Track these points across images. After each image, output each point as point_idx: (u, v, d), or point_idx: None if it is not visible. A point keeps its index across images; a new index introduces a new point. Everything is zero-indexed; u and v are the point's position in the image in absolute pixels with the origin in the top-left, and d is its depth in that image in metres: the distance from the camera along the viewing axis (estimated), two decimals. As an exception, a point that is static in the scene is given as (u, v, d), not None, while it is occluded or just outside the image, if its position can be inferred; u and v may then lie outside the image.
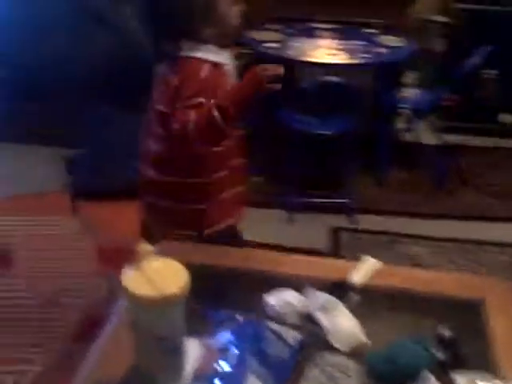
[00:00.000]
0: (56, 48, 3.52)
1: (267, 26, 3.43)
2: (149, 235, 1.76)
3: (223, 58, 1.67)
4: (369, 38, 3.31)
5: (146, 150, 1.72)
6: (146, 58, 3.17)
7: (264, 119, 3.35)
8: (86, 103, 3.32)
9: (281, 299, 1.28)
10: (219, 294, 1.38)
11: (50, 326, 2.32)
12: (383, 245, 2.92)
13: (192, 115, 1.55)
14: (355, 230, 3.01)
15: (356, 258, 1.45)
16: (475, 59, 3.22)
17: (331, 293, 1.31)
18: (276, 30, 3.38)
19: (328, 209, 3.10)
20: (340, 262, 1.51)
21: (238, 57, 3.78)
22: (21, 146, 3.54)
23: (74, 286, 2.54)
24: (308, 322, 1.24)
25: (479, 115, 3.89)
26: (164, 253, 1.47)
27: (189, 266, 1.41)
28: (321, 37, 3.32)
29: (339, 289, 1.34)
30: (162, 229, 1.72)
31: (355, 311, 1.26)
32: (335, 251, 2.84)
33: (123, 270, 1.20)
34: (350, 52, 3.10)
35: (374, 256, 2.75)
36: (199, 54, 1.62)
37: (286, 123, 2.95)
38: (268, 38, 3.25)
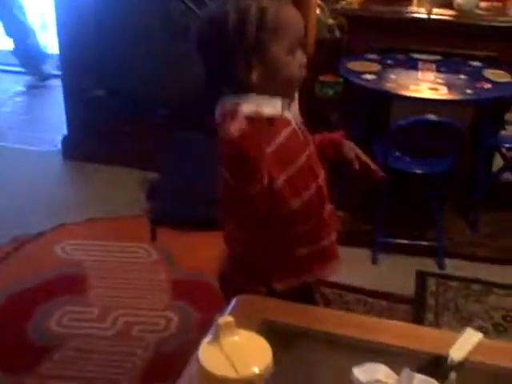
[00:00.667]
0: (152, 71, 3.55)
1: (367, 56, 3.31)
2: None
3: (275, 108, 1.41)
4: (472, 72, 3.14)
5: None
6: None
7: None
8: (176, 128, 3.33)
9: (372, 376, 1.16)
10: (299, 362, 1.28)
11: (118, 361, 2.26)
12: (474, 294, 2.73)
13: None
14: (444, 276, 2.84)
15: (452, 329, 1.32)
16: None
17: (429, 369, 1.19)
18: (375, 61, 3.25)
19: (416, 251, 2.94)
20: (439, 333, 1.38)
21: (332, 86, 3.72)
22: (99, 167, 3.57)
23: (146, 319, 2.49)
24: (401, 404, 1.12)
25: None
26: (243, 309, 1.39)
27: (268, 324, 1.32)
28: (421, 69, 3.16)
29: (437, 365, 1.22)
30: (240, 280, 1.61)
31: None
32: (421, 298, 2.68)
33: (201, 343, 1.10)
34: (452, 87, 2.94)
35: (463, 305, 2.61)
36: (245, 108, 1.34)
37: (379, 160, 2.81)
38: (366, 69, 3.13)
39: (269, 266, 1.58)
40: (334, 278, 2.72)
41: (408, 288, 2.73)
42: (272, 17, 1.40)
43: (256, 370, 1.01)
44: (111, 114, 3.55)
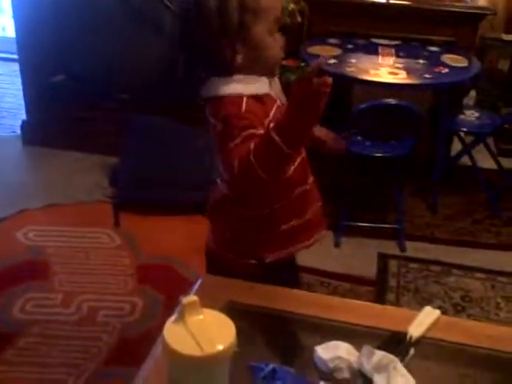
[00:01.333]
0: (113, 53, 3.51)
1: (327, 40, 3.33)
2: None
3: (263, 87, 1.47)
4: (430, 57, 3.18)
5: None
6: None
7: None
8: (137, 111, 3.30)
9: (334, 353, 1.19)
10: (266, 342, 1.30)
11: (84, 346, 2.26)
12: (434, 275, 2.79)
13: (249, 146, 1.35)
14: (404, 258, 2.89)
15: (413, 309, 1.36)
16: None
17: (389, 346, 1.23)
18: (335, 45, 3.28)
19: (378, 234, 2.99)
20: (399, 312, 1.41)
21: (294, 71, 3.73)
22: (60, 152, 3.53)
23: (111, 304, 2.48)
24: (361, 380, 1.16)
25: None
26: (208, 290, 1.41)
27: (232, 305, 1.35)
28: (381, 54, 3.20)
29: (397, 342, 1.26)
30: (230, 256, 1.62)
31: (412, 367, 1.17)
32: (383, 279, 2.73)
33: (166, 323, 1.11)
34: (411, 71, 2.98)
35: (423, 286, 2.67)
36: (232, 90, 1.44)
37: (340, 143, 2.85)
38: (326, 53, 3.15)
39: (259, 240, 1.60)
40: (298, 262, 2.78)
41: (370, 270, 2.78)
42: None
43: (220, 347, 1.03)
44: (70, 99, 3.51)
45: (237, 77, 1.45)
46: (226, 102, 1.43)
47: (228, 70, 1.45)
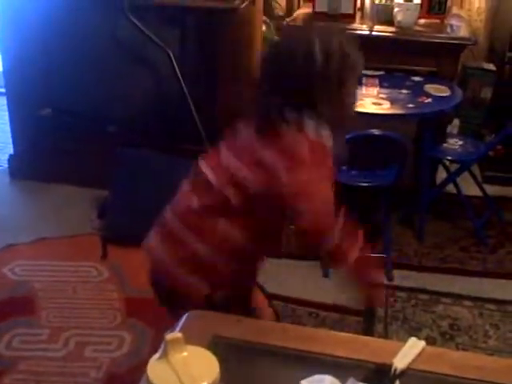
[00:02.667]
0: (100, 87, 3.54)
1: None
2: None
3: (326, 138, 1.56)
4: (414, 87, 3.23)
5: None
6: (183, 103, 3.13)
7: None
8: (124, 145, 3.31)
9: (319, 387, 1.19)
10: (252, 377, 1.30)
11: (72, 382, 2.24)
12: (422, 304, 2.79)
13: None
14: (392, 287, 2.89)
15: (401, 339, 1.37)
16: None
17: (374, 378, 1.23)
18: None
19: (365, 263, 3.00)
20: (384, 343, 1.42)
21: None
22: (48, 186, 3.53)
23: (99, 338, 2.47)
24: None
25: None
26: (194, 325, 1.41)
27: (218, 340, 1.35)
28: (365, 84, 3.24)
29: (382, 374, 1.26)
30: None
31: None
32: (371, 309, 2.72)
33: (150, 360, 1.11)
34: (395, 101, 3.03)
35: (411, 315, 2.66)
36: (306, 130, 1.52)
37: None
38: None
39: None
40: (286, 292, 2.78)
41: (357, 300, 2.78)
42: (352, 54, 1.55)
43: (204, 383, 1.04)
44: (58, 132, 3.52)
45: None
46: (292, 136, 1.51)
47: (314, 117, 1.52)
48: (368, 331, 2.39)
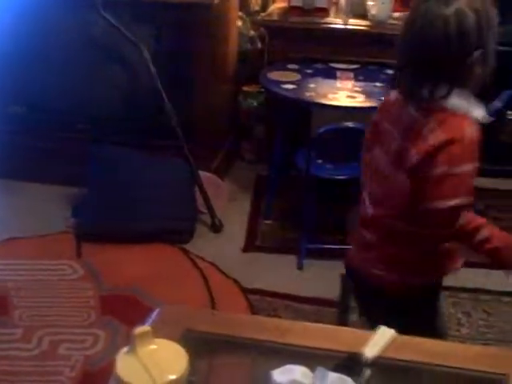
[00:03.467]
0: (74, 83, 3.49)
1: (287, 65, 3.37)
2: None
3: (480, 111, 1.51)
4: (388, 80, 3.23)
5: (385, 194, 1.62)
6: (157, 99, 3.13)
7: (281, 163, 3.29)
8: (98, 142, 3.29)
9: (289, 377, 1.18)
10: (224, 369, 1.30)
11: (45, 381, 2.22)
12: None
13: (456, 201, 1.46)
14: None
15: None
16: (497, 103, 3.13)
17: (344, 367, 1.23)
18: (295, 70, 3.32)
19: (340, 255, 2.99)
20: (355, 333, 1.41)
21: (256, 96, 3.77)
22: (21, 184, 3.48)
23: (73, 337, 2.44)
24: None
25: (502, 156, 3.80)
26: (166, 320, 1.40)
27: (190, 334, 1.34)
28: (340, 78, 3.25)
29: (352, 363, 1.26)
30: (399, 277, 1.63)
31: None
32: (345, 300, 2.73)
33: (117, 355, 1.10)
34: (369, 95, 3.03)
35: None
36: (463, 108, 1.48)
37: (301, 167, 2.88)
38: (286, 79, 3.18)
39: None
40: (261, 286, 2.77)
41: (332, 291, 2.77)
42: (492, 13, 1.49)
43: (172, 376, 1.03)
44: (31, 130, 3.48)
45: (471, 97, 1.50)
46: (457, 119, 1.48)
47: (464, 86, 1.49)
48: (342, 322, 2.40)
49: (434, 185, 1.48)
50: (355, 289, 1.82)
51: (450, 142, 1.45)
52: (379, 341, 1.31)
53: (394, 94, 1.66)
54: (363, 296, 1.82)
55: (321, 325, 1.52)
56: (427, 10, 1.47)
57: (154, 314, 1.42)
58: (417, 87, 1.49)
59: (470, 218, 1.57)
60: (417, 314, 1.66)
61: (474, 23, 1.43)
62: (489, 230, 1.60)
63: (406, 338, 1.33)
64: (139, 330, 1.14)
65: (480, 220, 1.61)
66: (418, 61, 1.50)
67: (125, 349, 1.15)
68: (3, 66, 3.39)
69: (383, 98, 1.76)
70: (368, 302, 1.80)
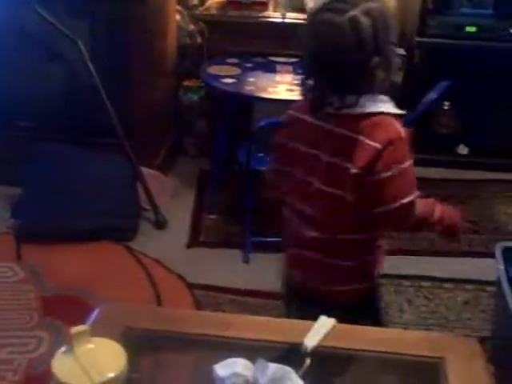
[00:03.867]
0: (11, 81, 3.39)
1: (226, 60, 3.37)
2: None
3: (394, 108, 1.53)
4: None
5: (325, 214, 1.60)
6: (96, 96, 3.09)
7: (224, 157, 3.30)
8: (39, 140, 3.22)
9: (231, 370, 1.19)
10: (166, 365, 1.30)
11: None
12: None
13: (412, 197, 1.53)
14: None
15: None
16: (433, 94, 3.20)
17: (285, 358, 1.25)
18: (234, 64, 3.32)
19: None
20: (296, 324, 1.43)
21: (196, 91, 3.76)
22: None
23: (15, 340, 2.40)
24: (259, 395, 1.17)
25: (436, 147, 3.90)
26: (107, 316, 1.39)
27: (131, 331, 1.33)
28: (279, 71, 3.26)
29: (293, 353, 1.28)
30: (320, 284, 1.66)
31: (309, 377, 1.20)
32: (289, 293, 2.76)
33: (55, 355, 1.09)
34: (308, 87, 3.06)
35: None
36: (382, 108, 1.49)
37: (242, 161, 2.89)
38: (226, 73, 3.19)
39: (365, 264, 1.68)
40: (206, 281, 2.77)
41: (277, 284, 2.79)
42: (389, 18, 1.52)
43: (111, 375, 1.02)
44: None
45: (382, 97, 1.51)
46: (382, 118, 1.49)
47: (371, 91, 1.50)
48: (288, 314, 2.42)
49: (385, 188, 1.50)
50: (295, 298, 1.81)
51: (389, 144, 1.47)
52: (319, 330, 1.34)
53: (295, 113, 1.66)
54: (305, 307, 1.75)
55: (264, 317, 1.54)
56: (323, 21, 1.49)
57: (94, 314, 1.41)
58: (326, 97, 1.51)
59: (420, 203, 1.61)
60: (363, 315, 1.68)
61: (369, 30, 1.45)
62: (438, 208, 1.67)
63: (346, 326, 1.35)
64: (76, 329, 1.13)
65: (429, 201, 1.67)
66: (323, 71, 1.51)
67: (62, 349, 1.14)
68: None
69: (286, 119, 1.71)
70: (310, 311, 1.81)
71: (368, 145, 1.48)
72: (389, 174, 1.49)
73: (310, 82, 1.56)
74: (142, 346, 1.36)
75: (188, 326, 1.40)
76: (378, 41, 1.46)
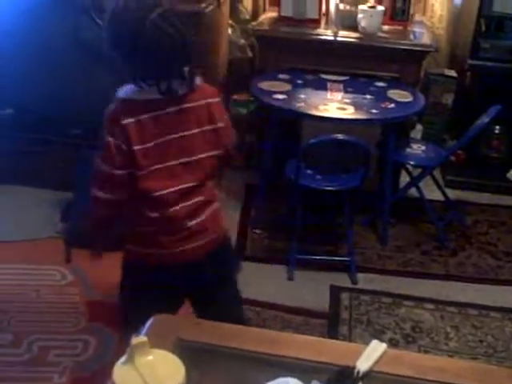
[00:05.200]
0: (64, 88, 3.46)
1: (277, 75, 3.40)
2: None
3: None
4: (377, 92, 3.28)
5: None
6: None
7: (271, 172, 3.31)
8: (89, 145, 3.27)
9: (283, 390, 1.21)
10: (216, 380, 1.31)
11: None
12: (385, 307, 2.83)
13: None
14: (356, 290, 2.92)
15: (365, 341, 1.39)
16: (484, 118, 3.19)
17: (337, 380, 1.25)
18: (285, 81, 3.35)
19: (329, 266, 3.03)
20: (348, 346, 1.44)
21: (245, 105, 3.79)
22: (10, 188, 3.46)
23: (63, 343, 2.45)
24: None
25: (486, 171, 3.87)
26: (159, 327, 1.41)
27: (182, 343, 1.35)
28: (330, 89, 3.28)
29: (345, 376, 1.28)
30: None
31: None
32: (336, 312, 2.75)
33: (115, 365, 1.12)
34: (359, 106, 3.07)
35: (375, 318, 2.70)
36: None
37: (291, 177, 2.90)
38: (276, 89, 3.21)
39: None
40: (250, 295, 2.78)
41: (323, 303, 2.80)
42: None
43: (170, 386, 1.04)
44: (21, 133, 3.47)
45: None
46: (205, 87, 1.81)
47: None
48: (332, 334, 2.42)
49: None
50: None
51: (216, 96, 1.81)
52: (371, 354, 1.34)
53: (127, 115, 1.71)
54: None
55: (313, 337, 1.54)
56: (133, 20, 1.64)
57: (147, 324, 1.43)
58: (173, 85, 1.68)
59: None
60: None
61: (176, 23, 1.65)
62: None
63: (398, 352, 1.36)
64: (136, 339, 1.15)
65: None
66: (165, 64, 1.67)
67: (122, 359, 1.17)
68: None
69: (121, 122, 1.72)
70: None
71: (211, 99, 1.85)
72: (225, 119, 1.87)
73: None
74: (192, 358, 1.37)
75: (238, 341, 1.41)
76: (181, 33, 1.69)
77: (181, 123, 1.72)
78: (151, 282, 1.82)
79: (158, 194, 1.71)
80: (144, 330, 1.39)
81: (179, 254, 1.79)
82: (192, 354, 1.37)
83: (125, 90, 1.71)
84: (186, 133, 1.72)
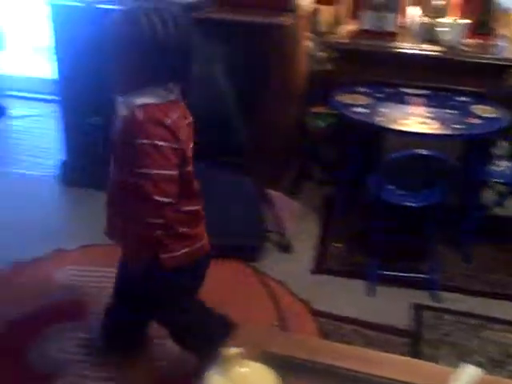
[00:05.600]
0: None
1: (357, 89, 3.38)
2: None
3: None
4: (461, 107, 3.21)
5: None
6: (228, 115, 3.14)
7: (350, 185, 3.29)
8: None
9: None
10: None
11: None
12: (469, 329, 2.73)
13: None
14: (440, 310, 2.83)
15: (450, 363, 1.36)
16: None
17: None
18: (365, 94, 3.32)
19: (411, 283, 2.96)
20: (436, 368, 1.41)
21: (324, 118, 3.77)
22: (97, 193, 3.54)
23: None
24: None
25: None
26: (244, 337, 1.42)
27: (266, 356, 1.35)
28: (411, 103, 3.24)
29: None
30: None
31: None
32: (418, 331, 2.69)
33: (206, 374, 1.13)
34: (442, 121, 3.01)
35: (460, 340, 2.61)
36: None
37: (372, 192, 2.87)
38: (356, 102, 3.20)
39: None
40: (330, 309, 2.74)
41: (403, 320, 2.74)
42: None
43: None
44: (108, 141, 3.56)
45: None
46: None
47: None
48: (415, 354, 2.35)
49: None
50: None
51: None
52: (462, 379, 1.30)
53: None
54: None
55: (401, 356, 1.52)
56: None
57: (233, 335, 1.44)
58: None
59: None
60: None
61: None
62: None
63: (490, 378, 1.31)
64: (230, 351, 1.16)
65: None
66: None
67: (212, 369, 1.17)
68: (85, 78, 3.46)
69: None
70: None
71: None
72: None
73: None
74: (278, 372, 1.37)
75: (323, 356, 1.40)
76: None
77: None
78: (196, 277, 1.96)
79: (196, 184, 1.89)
80: (232, 340, 1.40)
81: (206, 244, 1.93)
82: (277, 368, 1.38)
83: (143, 97, 1.75)
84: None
